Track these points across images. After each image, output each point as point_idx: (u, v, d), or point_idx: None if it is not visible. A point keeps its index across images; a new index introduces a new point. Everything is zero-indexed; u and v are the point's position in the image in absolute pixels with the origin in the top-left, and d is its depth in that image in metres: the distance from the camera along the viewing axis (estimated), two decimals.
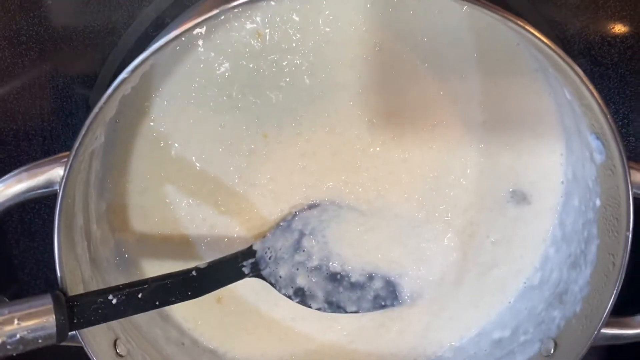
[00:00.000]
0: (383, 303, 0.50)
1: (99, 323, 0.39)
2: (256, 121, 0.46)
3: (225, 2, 0.31)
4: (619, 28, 0.49)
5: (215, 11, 0.30)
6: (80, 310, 0.37)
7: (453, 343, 0.52)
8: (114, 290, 0.39)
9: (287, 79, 0.45)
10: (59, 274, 0.38)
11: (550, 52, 0.34)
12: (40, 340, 0.36)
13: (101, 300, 0.38)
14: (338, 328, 0.52)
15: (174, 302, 0.42)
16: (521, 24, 0.33)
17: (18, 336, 0.35)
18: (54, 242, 0.37)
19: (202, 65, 0.44)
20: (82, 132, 0.34)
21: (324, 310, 0.49)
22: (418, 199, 0.48)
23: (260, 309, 0.51)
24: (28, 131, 0.51)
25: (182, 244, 0.49)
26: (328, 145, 0.47)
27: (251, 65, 0.44)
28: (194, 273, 0.43)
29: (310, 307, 0.49)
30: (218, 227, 0.49)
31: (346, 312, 0.50)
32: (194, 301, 0.43)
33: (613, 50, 0.49)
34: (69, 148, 0.51)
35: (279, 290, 0.48)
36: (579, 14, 0.48)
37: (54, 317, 0.36)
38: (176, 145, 0.46)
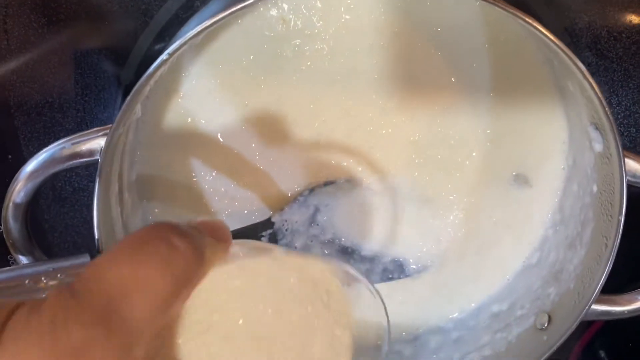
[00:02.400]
0: (390, 276, 0.53)
1: None
2: (277, 101, 0.48)
3: None
4: (625, 23, 0.51)
5: None
6: None
7: (454, 315, 0.55)
8: None
9: (308, 63, 0.47)
10: (96, 236, 0.41)
11: (554, 47, 0.36)
12: None
13: None
14: None
15: None
16: (528, 20, 0.35)
17: None
18: (94, 207, 0.40)
19: (228, 48, 0.46)
20: (123, 107, 0.37)
21: None
22: (426, 179, 0.51)
23: None
24: (62, 104, 0.54)
25: (204, 215, 0.51)
26: (344, 127, 0.49)
27: (275, 50, 0.46)
28: None
29: None
30: (238, 200, 0.51)
31: None
32: None
33: (618, 44, 0.51)
34: (100, 120, 0.55)
35: None
36: (588, 9, 0.50)
37: None
38: (202, 121, 0.48)
